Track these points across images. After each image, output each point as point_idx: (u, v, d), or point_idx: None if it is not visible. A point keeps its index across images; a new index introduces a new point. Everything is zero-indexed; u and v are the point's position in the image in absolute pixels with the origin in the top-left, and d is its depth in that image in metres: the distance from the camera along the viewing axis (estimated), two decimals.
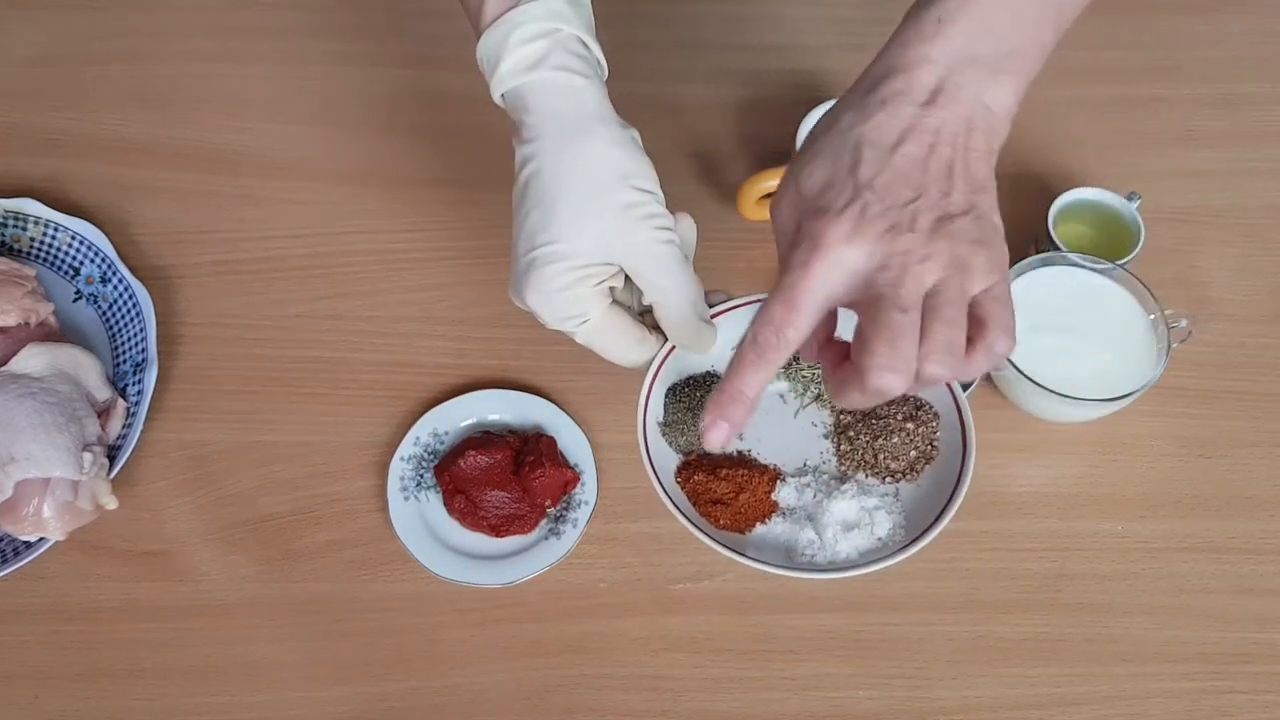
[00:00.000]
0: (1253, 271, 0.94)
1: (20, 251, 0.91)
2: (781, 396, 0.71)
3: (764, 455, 0.69)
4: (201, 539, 0.81)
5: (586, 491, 0.82)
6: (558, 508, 0.82)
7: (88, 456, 0.78)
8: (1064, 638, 0.79)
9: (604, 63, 0.65)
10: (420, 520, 0.81)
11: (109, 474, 0.80)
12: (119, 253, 0.89)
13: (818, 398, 0.70)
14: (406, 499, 0.82)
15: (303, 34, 1.05)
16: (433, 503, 0.82)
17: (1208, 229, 0.96)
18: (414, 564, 0.79)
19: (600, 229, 0.61)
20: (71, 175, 0.96)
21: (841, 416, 0.69)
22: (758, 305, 0.68)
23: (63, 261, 0.90)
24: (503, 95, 0.64)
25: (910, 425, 0.67)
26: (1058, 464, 0.85)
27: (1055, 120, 1.01)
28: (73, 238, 0.90)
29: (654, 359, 0.67)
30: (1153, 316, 0.83)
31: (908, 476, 0.67)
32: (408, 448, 0.83)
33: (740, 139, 1.00)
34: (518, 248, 0.63)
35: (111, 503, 0.79)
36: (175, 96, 1.01)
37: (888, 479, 0.67)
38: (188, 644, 0.78)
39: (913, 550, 0.63)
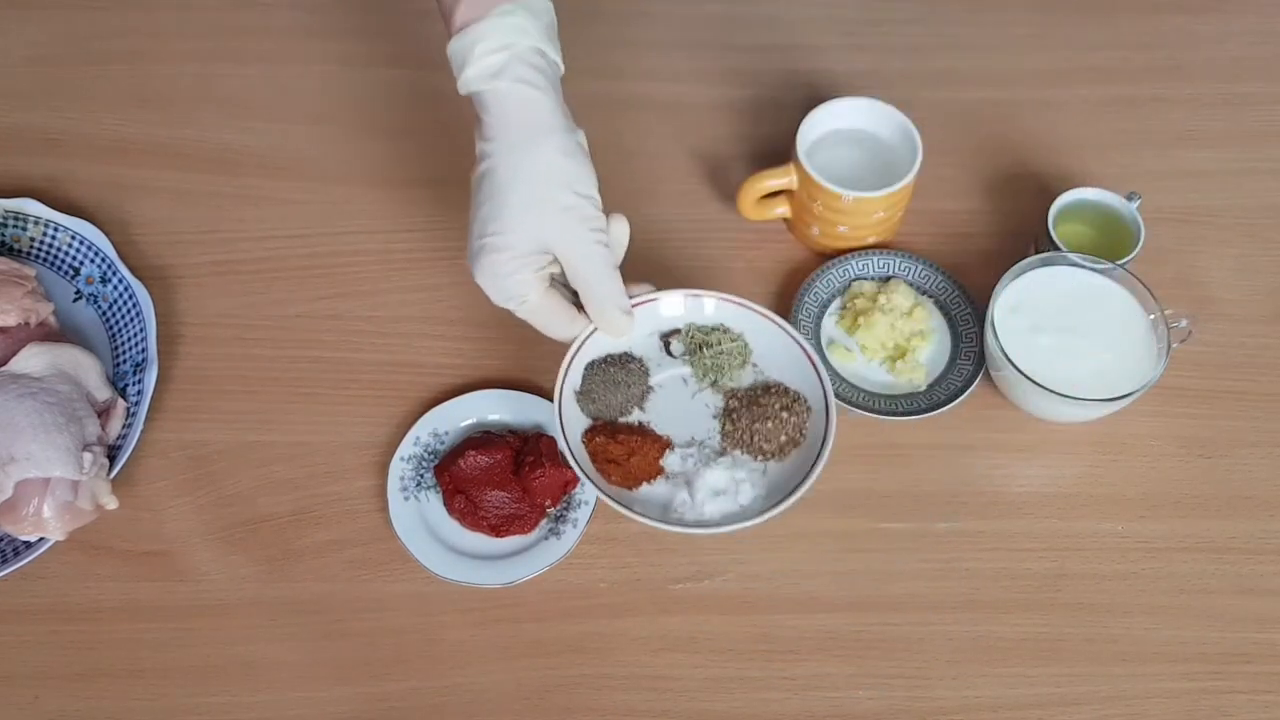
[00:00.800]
0: (1253, 271, 0.94)
1: (20, 251, 0.91)
2: (684, 380, 0.80)
3: (660, 427, 0.78)
4: (201, 539, 0.81)
5: (586, 491, 0.82)
6: (558, 508, 0.82)
7: (88, 456, 0.78)
8: (1064, 638, 0.79)
9: (561, 64, 0.73)
10: (420, 520, 0.81)
11: (109, 474, 0.80)
12: (119, 253, 0.89)
13: (713, 384, 0.80)
14: (406, 499, 0.82)
15: (303, 34, 1.05)
16: (433, 503, 0.82)
17: (1208, 229, 0.96)
18: (414, 564, 0.79)
19: (541, 225, 0.71)
20: (71, 175, 0.96)
21: (730, 402, 0.79)
22: (677, 297, 0.79)
23: (63, 261, 0.90)
24: (467, 93, 0.72)
25: (785, 414, 0.77)
26: (1058, 464, 0.85)
27: (1055, 120, 1.01)
28: (73, 238, 0.90)
29: (578, 337, 0.77)
30: (1153, 316, 0.83)
31: (776, 457, 0.76)
32: (408, 448, 0.83)
33: (740, 139, 1.00)
34: (471, 231, 0.73)
35: (111, 503, 0.79)
36: (175, 96, 1.01)
37: (759, 457, 0.77)
38: (188, 644, 0.78)
39: (762, 519, 0.71)
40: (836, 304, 0.90)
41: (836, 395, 0.80)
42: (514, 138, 0.70)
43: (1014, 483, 0.84)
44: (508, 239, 0.71)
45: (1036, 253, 0.87)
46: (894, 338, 0.87)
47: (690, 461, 0.76)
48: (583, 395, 0.78)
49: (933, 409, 0.84)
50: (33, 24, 1.05)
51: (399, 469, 0.83)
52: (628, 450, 0.75)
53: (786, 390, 0.78)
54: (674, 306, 0.80)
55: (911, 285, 0.90)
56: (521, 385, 0.87)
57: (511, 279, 0.72)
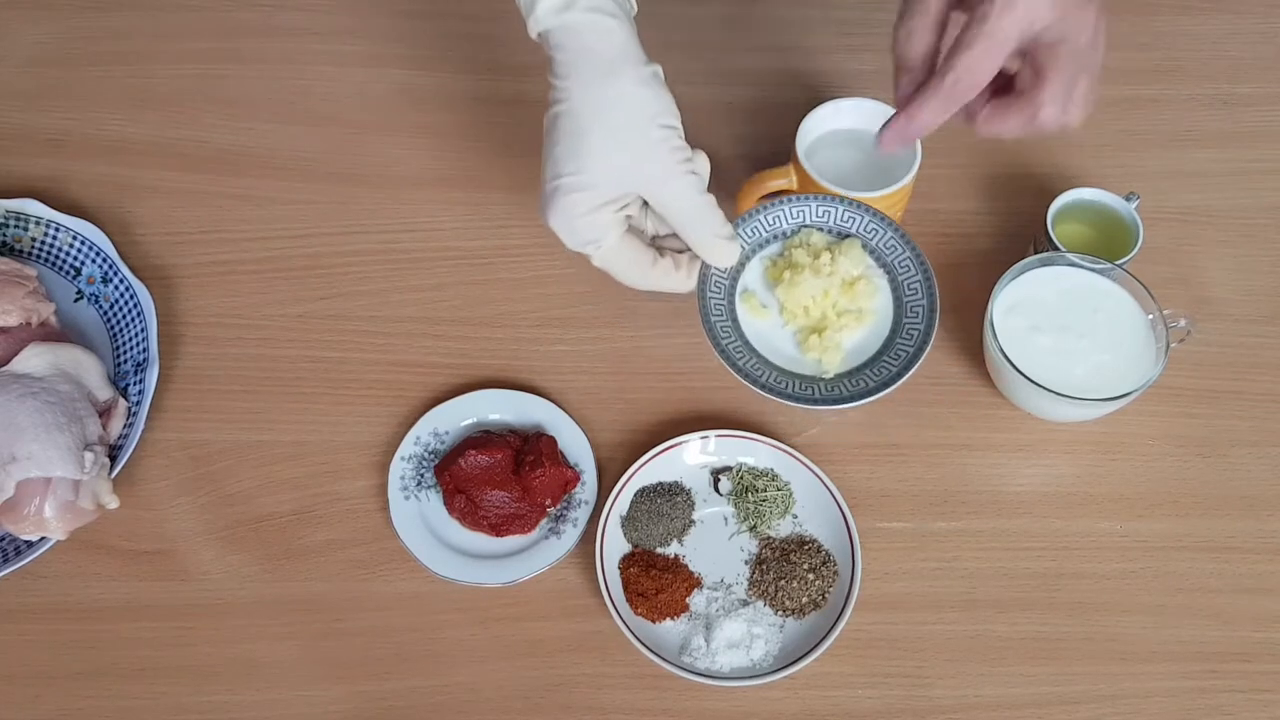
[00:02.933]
0: (1251, 271, 0.94)
1: (22, 252, 0.91)
2: (725, 519, 0.82)
3: (693, 563, 0.80)
4: (202, 538, 0.81)
5: (586, 491, 0.82)
6: (558, 507, 0.82)
7: (89, 456, 0.78)
8: (1063, 637, 0.79)
9: (634, 2, 0.70)
10: (420, 520, 0.81)
11: (110, 473, 0.80)
12: (120, 253, 0.89)
13: (752, 529, 0.81)
14: (407, 498, 0.82)
15: (303, 34, 1.05)
16: (433, 502, 0.82)
17: (1207, 229, 0.96)
18: (414, 563, 0.79)
19: (624, 162, 0.68)
20: (73, 175, 0.96)
21: (763, 550, 0.80)
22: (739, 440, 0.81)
23: (64, 261, 0.90)
24: (538, 35, 0.69)
25: (811, 575, 0.78)
26: (1056, 463, 0.85)
27: None
28: (74, 238, 0.90)
29: (637, 460, 0.79)
30: (1151, 316, 0.83)
31: (796, 616, 0.78)
32: (408, 447, 0.83)
33: (740, 139, 1.00)
34: (545, 173, 0.69)
35: (113, 502, 0.79)
36: (176, 96, 1.01)
37: (780, 613, 0.78)
38: (188, 644, 0.78)
39: (766, 680, 0.74)
40: (776, 247, 0.82)
41: (724, 353, 0.78)
42: (590, 71, 0.67)
43: (1013, 482, 0.85)
44: (585, 179, 0.68)
45: (1035, 253, 0.87)
46: (821, 307, 0.79)
47: (714, 606, 0.78)
48: (628, 521, 0.80)
49: (822, 402, 0.78)
50: (33, 24, 1.05)
51: (399, 468, 0.83)
52: (658, 586, 0.78)
53: (819, 549, 0.80)
54: (730, 444, 0.82)
55: (871, 253, 0.81)
56: (521, 385, 0.87)
57: (588, 219, 0.69)
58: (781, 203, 0.83)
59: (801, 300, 0.79)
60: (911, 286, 0.80)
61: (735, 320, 0.79)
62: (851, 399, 0.77)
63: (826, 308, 0.80)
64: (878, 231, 0.82)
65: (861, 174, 0.89)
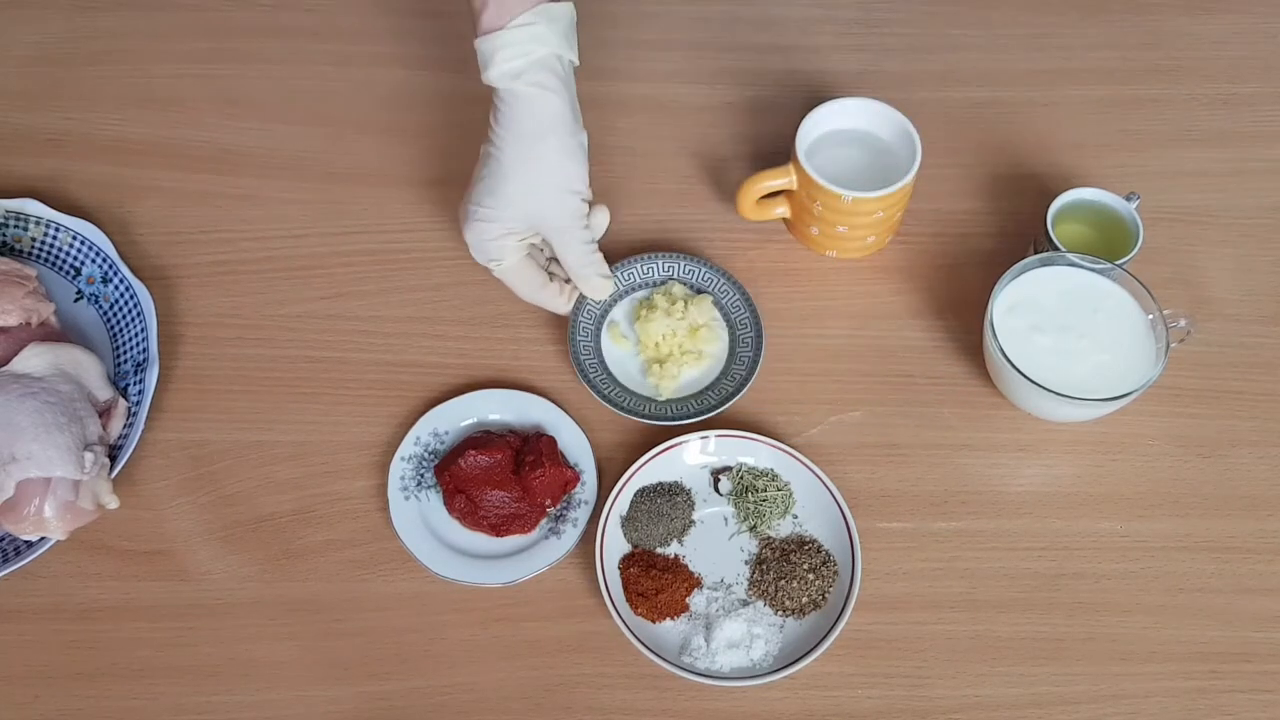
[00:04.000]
0: (1251, 271, 0.94)
1: (21, 251, 0.91)
2: (725, 519, 0.83)
3: (694, 563, 0.81)
4: (202, 539, 0.81)
5: (586, 491, 0.82)
6: (558, 507, 0.82)
7: (89, 456, 0.78)
8: (1063, 637, 0.79)
9: (576, 61, 0.79)
10: (420, 520, 0.81)
11: (110, 473, 0.80)
12: (120, 253, 0.89)
13: (752, 529, 0.82)
14: (407, 498, 0.82)
15: (303, 34, 1.05)
16: (433, 502, 0.82)
17: (1207, 229, 0.96)
18: (414, 564, 0.79)
19: (532, 209, 0.81)
20: (72, 175, 0.96)
21: (763, 550, 0.81)
22: (645, 260, 0.91)
23: (64, 261, 0.90)
24: (489, 85, 0.79)
25: (811, 576, 0.79)
26: (1057, 463, 0.85)
27: (1055, 120, 1.01)
28: (74, 238, 0.90)
29: (632, 466, 0.82)
30: (1151, 316, 0.83)
31: (796, 616, 0.78)
32: (408, 447, 0.83)
33: (740, 139, 1.00)
34: (468, 195, 0.83)
35: (112, 502, 0.79)
36: (176, 96, 1.01)
37: (780, 613, 0.79)
38: (188, 644, 0.78)
39: (766, 680, 0.75)
40: (645, 292, 0.91)
41: (579, 365, 0.86)
42: (523, 131, 0.78)
43: (1013, 482, 0.85)
44: (498, 213, 0.81)
45: (1035, 253, 0.87)
46: (669, 345, 0.88)
47: (714, 606, 0.79)
48: (628, 521, 0.81)
49: (647, 417, 0.84)
50: (33, 24, 1.05)
51: (399, 469, 0.83)
52: (658, 586, 0.78)
53: (819, 549, 0.80)
54: (731, 445, 0.83)
55: (719, 307, 0.90)
56: (521, 385, 0.87)
57: (493, 244, 0.82)
58: (655, 257, 0.91)
59: (653, 336, 0.88)
60: (745, 340, 0.89)
61: (598, 343, 0.88)
62: (673, 418, 0.85)
63: (673, 345, 0.88)
64: (728, 292, 0.91)
65: (862, 174, 0.89)
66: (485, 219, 0.81)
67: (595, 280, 0.86)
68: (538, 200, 0.80)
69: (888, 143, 0.91)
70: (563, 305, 0.88)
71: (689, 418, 0.84)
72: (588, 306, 0.89)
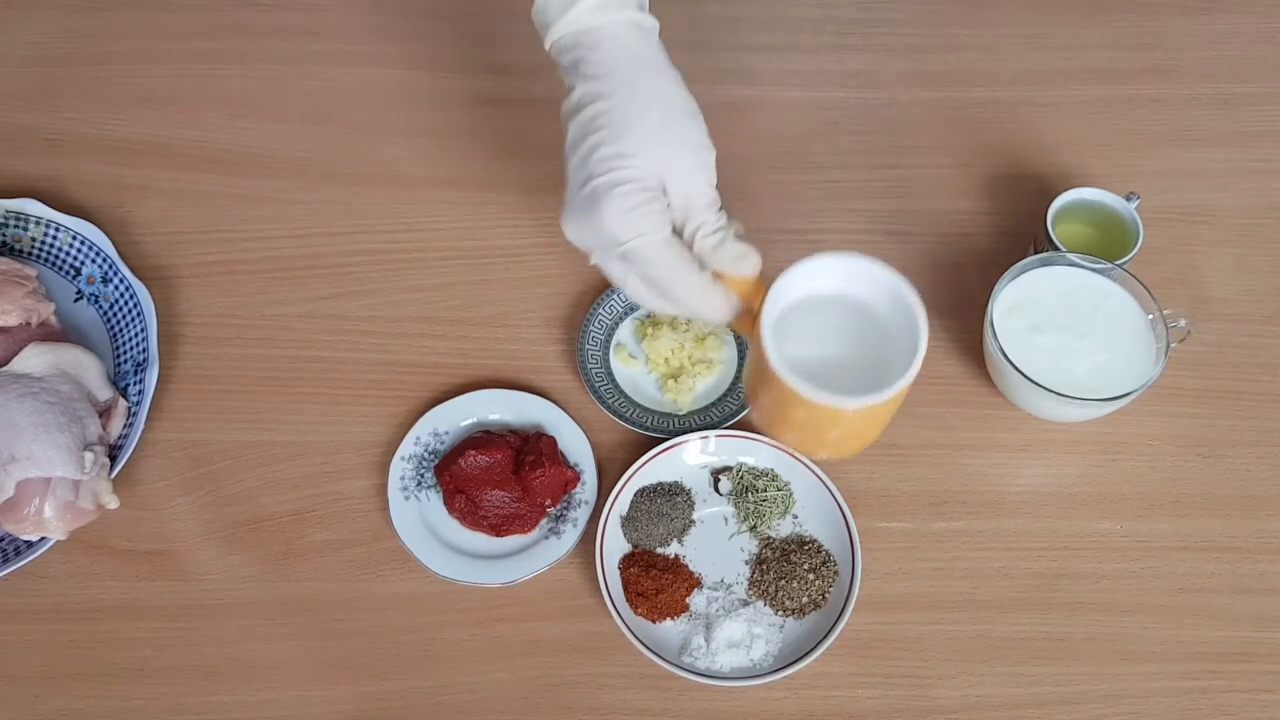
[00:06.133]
0: (1251, 271, 0.94)
1: (21, 251, 0.91)
2: (725, 519, 0.82)
3: (694, 563, 0.81)
4: (202, 538, 0.81)
5: (586, 491, 0.82)
6: (558, 507, 0.82)
7: (89, 456, 0.78)
8: (1063, 637, 0.79)
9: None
10: (420, 520, 0.81)
11: (110, 474, 0.80)
12: (120, 253, 0.89)
13: (752, 529, 0.82)
14: (407, 498, 0.82)
15: (303, 34, 1.05)
16: (433, 502, 0.82)
17: (1207, 229, 0.96)
18: (414, 563, 0.79)
19: (662, 156, 0.66)
20: (72, 175, 0.96)
21: (764, 550, 0.81)
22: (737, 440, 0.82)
23: (64, 261, 0.90)
24: (559, 39, 0.68)
25: (811, 576, 0.79)
26: (1057, 463, 0.85)
27: (1055, 120, 1.01)
28: (74, 238, 0.90)
29: (637, 462, 0.79)
30: (1151, 316, 0.83)
31: (796, 616, 0.78)
32: (408, 447, 0.83)
33: (739, 139, 1.00)
34: (581, 174, 0.66)
35: (112, 502, 0.79)
36: (175, 96, 1.01)
37: (780, 613, 0.79)
38: (188, 644, 0.78)
39: (766, 680, 0.75)
40: (645, 310, 0.90)
41: (597, 393, 0.85)
42: (634, 67, 0.67)
43: (1014, 482, 0.85)
44: (633, 168, 0.65)
45: (1035, 252, 0.87)
46: (679, 358, 0.87)
47: (715, 605, 0.79)
48: (628, 521, 0.81)
49: (673, 434, 0.83)
50: (33, 24, 1.05)
51: (399, 469, 0.83)
52: (658, 587, 0.78)
53: (819, 549, 0.80)
54: (731, 444, 0.83)
55: None
56: (521, 385, 0.87)
57: (642, 210, 0.65)
58: None
59: (663, 352, 0.87)
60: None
61: (609, 368, 0.88)
62: (700, 429, 0.84)
63: (683, 358, 0.88)
64: None
65: (847, 367, 0.71)
66: (620, 181, 0.65)
67: (731, 245, 0.68)
68: (668, 144, 0.66)
69: (876, 311, 0.71)
70: (724, 301, 0.69)
71: (714, 427, 0.84)
72: (592, 334, 0.88)
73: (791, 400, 0.67)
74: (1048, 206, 0.87)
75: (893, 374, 0.67)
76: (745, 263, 0.68)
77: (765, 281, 0.69)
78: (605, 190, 0.65)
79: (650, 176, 0.66)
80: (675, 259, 0.67)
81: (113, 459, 0.81)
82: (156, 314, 0.86)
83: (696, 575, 0.80)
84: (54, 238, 0.90)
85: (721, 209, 0.69)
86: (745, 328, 0.70)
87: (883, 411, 0.70)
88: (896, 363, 0.67)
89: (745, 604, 0.79)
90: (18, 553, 0.79)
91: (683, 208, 0.67)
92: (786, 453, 0.82)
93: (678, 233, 0.68)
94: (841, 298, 0.71)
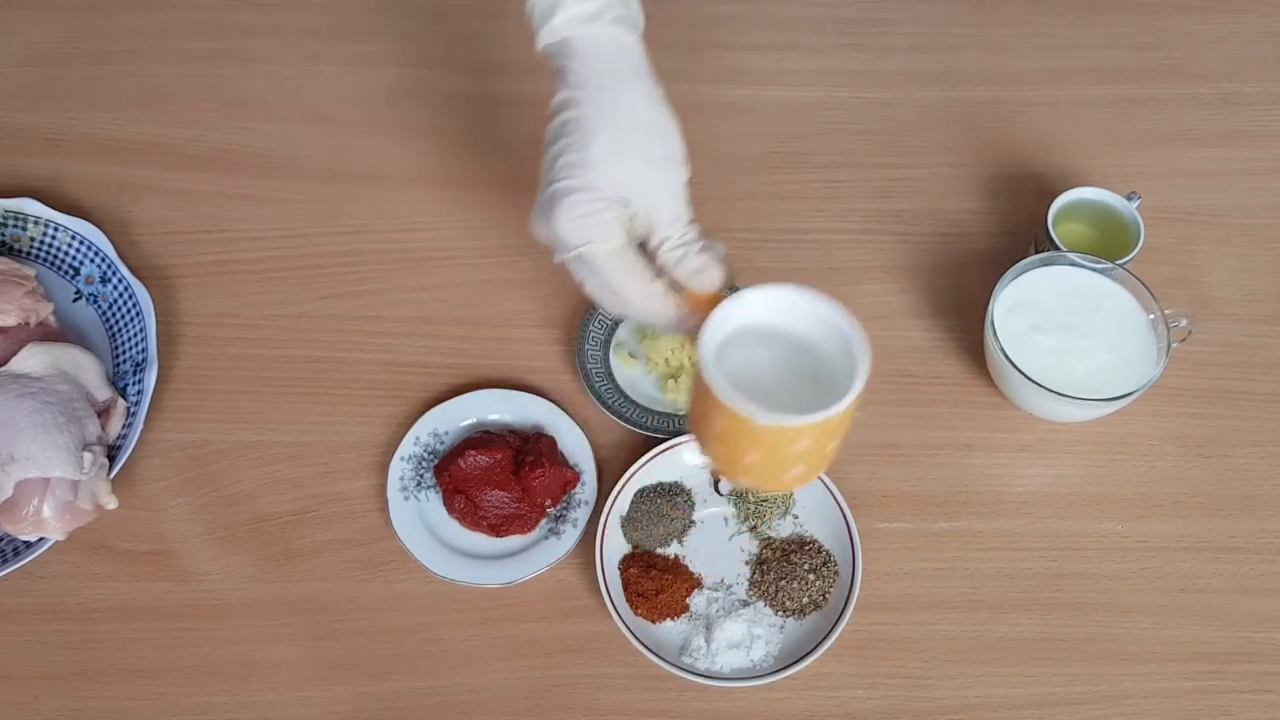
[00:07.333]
0: (1252, 271, 0.94)
1: (20, 251, 0.91)
2: (725, 520, 0.82)
3: (694, 563, 0.81)
4: (201, 539, 0.81)
5: (586, 491, 0.82)
6: (558, 507, 0.82)
7: (88, 456, 0.78)
8: (1064, 637, 0.79)
9: (641, 19, 0.71)
10: (420, 520, 0.81)
11: (109, 474, 0.80)
12: (119, 252, 0.89)
13: (753, 529, 0.82)
14: (406, 499, 0.82)
15: (303, 34, 1.05)
16: (433, 502, 0.82)
17: (1208, 229, 0.96)
18: (414, 564, 0.79)
19: (622, 172, 0.68)
20: (71, 175, 0.96)
21: (764, 551, 0.80)
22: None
23: (63, 261, 0.90)
24: (547, 45, 0.70)
25: (811, 576, 0.78)
26: (1058, 464, 0.85)
27: (1055, 120, 1.01)
28: (73, 237, 0.90)
29: (635, 464, 0.80)
30: (1152, 316, 0.83)
31: (796, 616, 0.78)
32: (408, 447, 0.83)
33: (739, 139, 1.00)
34: (546, 177, 0.69)
35: (111, 502, 0.79)
36: (175, 96, 1.01)
37: (780, 613, 0.79)
38: (187, 644, 0.78)
39: (767, 680, 0.74)
40: None
41: (597, 393, 0.84)
42: (605, 79, 0.68)
43: (1014, 482, 0.85)
44: (590, 179, 0.67)
45: (1036, 252, 0.87)
46: (679, 358, 0.87)
47: (715, 606, 0.79)
48: (628, 522, 0.81)
49: (673, 434, 0.83)
50: (33, 24, 1.05)
51: (399, 469, 0.83)
52: (658, 587, 0.78)
53: (819, 549, 0.80)
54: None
55: None
56: (521, 385, 0.87)
57: (589, 220, 0.67)
58: None
59: (663, 351, 0.87)
60: None
61: (609, 368, 0.87)
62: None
63: (683, 358, 0.87)
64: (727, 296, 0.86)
65: (789, 389, 0.67)
66: (575, 189, 0.67)
67: (693, 259, 0.69)
68: (630, 157, 0.68)
69: (818, 347, 0.67)
70: (669, 311, 0.70)
71: None
72: (591, 334, 0.88)
73: (713, 407, 0.63)
74: (1048, 206, 0.87)
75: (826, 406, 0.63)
76: (703, 277, 0.69)
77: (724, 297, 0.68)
78: (561, 196, 0.67)
79: (608, 187, 0.67)
80: (621, 267, 0.68)
81: (112, 459, 0.81)
82: (155, 314, 0.86)
83: (696, 576, 0.80)
84: (53, 237, 0.90)
85: (690, 223, 0.70)
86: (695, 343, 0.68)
87: (793, 438, 0.64)
88: (832, 397, 0.63)
89: (745, 604, 0.79)
90: (17, 553, 0.78)
91: (646, 221, 0.69)
92: None
93: (645, 243, 0.70)
94: (786, 333, 0.68)
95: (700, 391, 0.65)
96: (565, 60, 0.69)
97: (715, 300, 0.68)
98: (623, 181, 0.68)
